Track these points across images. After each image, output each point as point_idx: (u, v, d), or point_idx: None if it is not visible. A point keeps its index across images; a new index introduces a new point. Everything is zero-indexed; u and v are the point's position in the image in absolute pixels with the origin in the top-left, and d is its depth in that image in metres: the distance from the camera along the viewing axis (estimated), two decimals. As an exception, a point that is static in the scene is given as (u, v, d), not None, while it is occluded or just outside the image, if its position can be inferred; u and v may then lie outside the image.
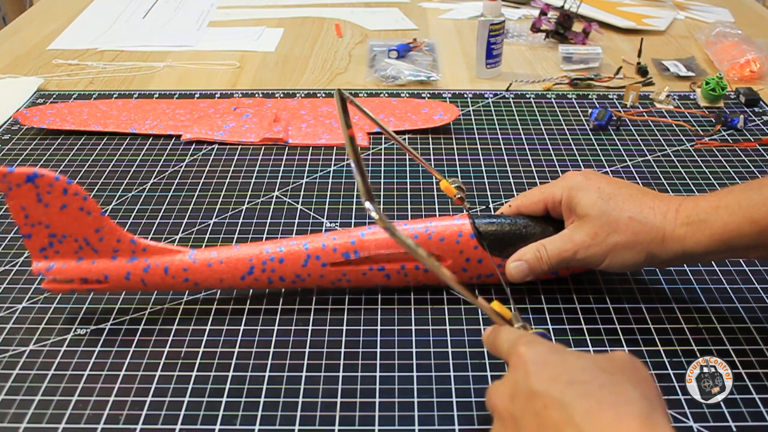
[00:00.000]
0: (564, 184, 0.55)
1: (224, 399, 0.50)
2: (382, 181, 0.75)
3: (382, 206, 0.71)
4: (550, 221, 0.57)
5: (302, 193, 0.73)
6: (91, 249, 0.54)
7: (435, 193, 0.72)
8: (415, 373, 0.51)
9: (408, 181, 0.75)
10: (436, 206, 0.71)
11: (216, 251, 0.56)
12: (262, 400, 0.49)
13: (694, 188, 0.73)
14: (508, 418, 0.38)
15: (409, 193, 0.73)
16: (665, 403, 0.38)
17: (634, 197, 0.52)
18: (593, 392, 0.35)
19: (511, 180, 0.75)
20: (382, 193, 0.73)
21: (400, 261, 0.56)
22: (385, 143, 0.82)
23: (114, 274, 0.55)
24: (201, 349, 0.54)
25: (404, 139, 0.83)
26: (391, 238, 0.55)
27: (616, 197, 0.52)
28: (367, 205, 0.41)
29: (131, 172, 0.77)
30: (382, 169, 0.77)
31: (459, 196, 0.60)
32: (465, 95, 0.94)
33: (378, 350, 0.53)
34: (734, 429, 0.47)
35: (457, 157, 0.79)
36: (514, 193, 0.72)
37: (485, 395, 0.41)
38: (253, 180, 0.76)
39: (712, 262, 0.62)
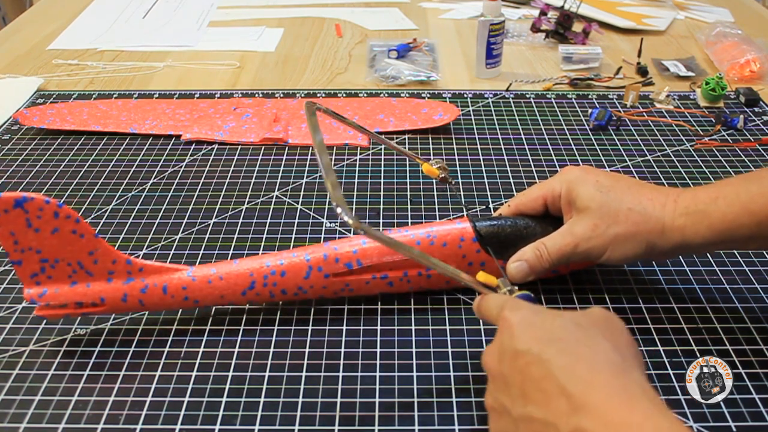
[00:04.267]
0: (563, 178, 0.55)
1: (224, 399, 0.50)
2: (382, 181, 0.75)
3: (381, 207, 0.71)
4: (550, 221, 0.57)
5: (302, 193, 0.73)
6: (86, 272, 0.52)
7: (435, 192, 0.72)
8: (415, 373, 0.51)
9: (408, 181, 0.75)
10: (436, 206, 0.70)
11: (215, 267, 0.55)
12: (262, 400, 0.49)
13: (694, 188, 0.73)
14: (498, 376, 0.41)
15: (409, 193, 0.73)
16: (638, 351, 0.40)
17: (632, 189, 0.53)
18: (569, 348, 0.38)
19: (511, 180, 0.75)
20: (382, 193, 0.73)
21: (402, 268, 0.56)
22: (385, 143, 0.82)
23: (110, 297, 0.53)
24: (201, 349, 0.54)
25: (404, 138, 0.83)
26: (392, 246, 0.55)
27: (615, 189, 0.52)
28: (339, 210, 0.42)
29: (131, 172, 0.77)
30: (382, 169, 0.77)
31: (442, 175, 0.59)
32: (465, 95, 0.94)
33: (378, 350, 0.53)
34: (734, 429, 0.47)
35: (457, 157, 0.79)
36: (514, 193, 0.72)
37: (480, 358, 0.44)
38: (253, 180, 0.76)
39: (712, 262, 0.62)
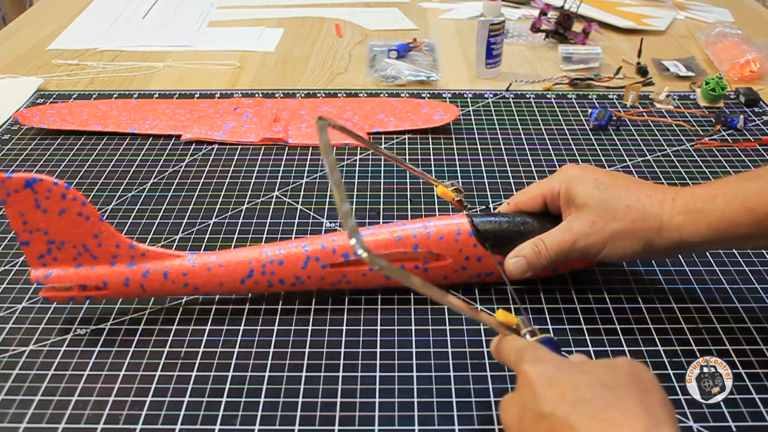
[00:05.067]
0: (561, 177, 0.55)
1: (224, 399, 0.50)
2: (382, 180, 0.75)
3: (381, 207, 0.71)
4: (548, 218, 0.57)
5: (302, 193, 0.73)
6: (90, 255, 0.53)
7: (435, 192, 0.72)
8: (415, 373, 0.51)
9: (408, 180, 0.75)
10: (436, 205, 0.71)
11: (215, 255, 0.56)
12: (262, 400, 0.49)
13: (694, 188, 0.73)
14: None
15: (408, 192, 0.73)
16: (672, 410, 0.37)
17: (630, 186, 0.53)
18: (598, 412, 0.36)
19: (511, 180, 0.75)
20: (382, 192, 0.73)
21: (400, 261, 0.56)
22: (385, 143, 0.82)
23: (113, 281, 0.54)
24: (201, 349, 0.54)
25: (404, 138, 0.83)
26: (392, 238, 0.55)
27: (613, 187, 0.52)
28: (353, 242, 0.39)
29: (131, 172, 0.77)
30: (382, 169, 0.77)
31: (458, 199, 0.59)
32: (465, 95, 0.94)
33: (378, 350, 0.53)
34: (734, 429, 0.47)
35: (457, 157, 0.79)
36: (514, 192, 0.72)
37: (499, 409, 0.42)
38: (253, 180, 0.76)
39: (712, 262, 0.62)
